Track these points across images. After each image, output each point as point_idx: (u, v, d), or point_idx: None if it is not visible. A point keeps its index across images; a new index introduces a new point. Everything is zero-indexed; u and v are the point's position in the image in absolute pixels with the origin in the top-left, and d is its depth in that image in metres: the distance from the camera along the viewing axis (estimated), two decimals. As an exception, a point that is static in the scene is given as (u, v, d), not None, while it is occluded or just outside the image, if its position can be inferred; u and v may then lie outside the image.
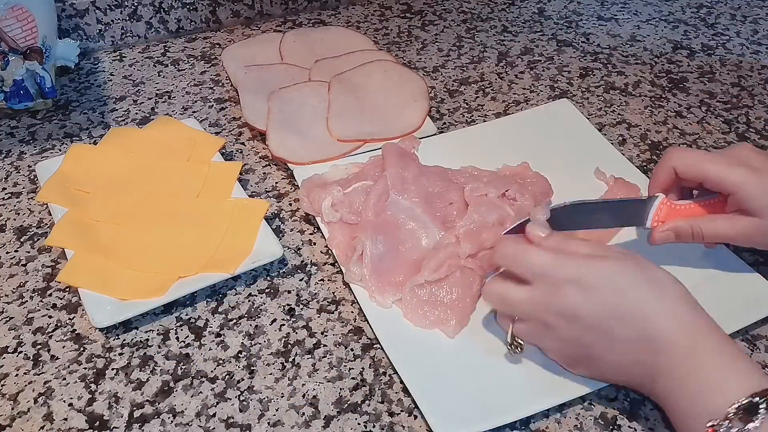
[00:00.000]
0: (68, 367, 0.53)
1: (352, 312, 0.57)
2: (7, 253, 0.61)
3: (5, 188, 0.68)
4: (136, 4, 0.85)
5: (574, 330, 0.47)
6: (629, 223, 0.57)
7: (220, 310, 0.57)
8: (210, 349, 0.54)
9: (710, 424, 0.40)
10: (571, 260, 0.47)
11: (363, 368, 0.53)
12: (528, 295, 0.48)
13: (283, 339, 0.55)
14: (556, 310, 0.47)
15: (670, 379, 0.44)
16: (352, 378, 0.52)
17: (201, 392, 0.51)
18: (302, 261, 0.61)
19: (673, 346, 0.43)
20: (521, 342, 0.50)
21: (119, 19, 0.85)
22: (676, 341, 0.44)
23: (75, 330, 0.55)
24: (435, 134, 0.73)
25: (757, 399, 0.40)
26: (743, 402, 0.40)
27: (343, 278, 0.59)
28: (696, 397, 0.42)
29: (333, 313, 0.57)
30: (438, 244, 0.58)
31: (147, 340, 0.55)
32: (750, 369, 0.43)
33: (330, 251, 0.61)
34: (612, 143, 0.71)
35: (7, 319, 0.56)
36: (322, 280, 0.60)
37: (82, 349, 0.54)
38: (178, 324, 0.56)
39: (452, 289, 0.56)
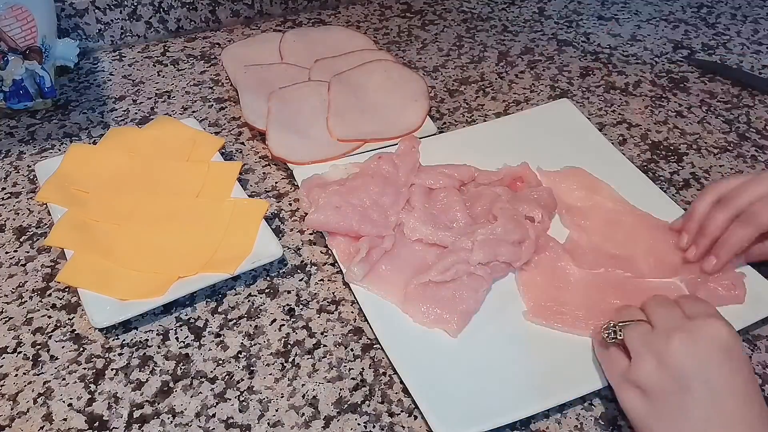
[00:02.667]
0: (68, 367, 0.53)
1: (352, 312, 0.57)
2: (7, 253, 0.61)
3: (5, 188, 0.68)
4: (135, 4, 0.85)
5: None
6: None
7: (219, 310, 0.57)
8: (210, 350, 0.54)
9: None
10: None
11: (363, 368, 0.53)
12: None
13: (283, 339, 0.55)
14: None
15: None
16: (352, 378, 0.52)
17: (201, 392, 0.51)
18: (302, 261, 0.61)
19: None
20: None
21: (119, 18, 0.85)
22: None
23: (74, 330, 0.55)
24: (435, 134, 0.73)
25: None
26: None
27: (343, 278, 0.59)
28: None
29: (333, 313, 0.57)
30: (452, 245, 0.58)
31: (146, 340, 0.55)
32: None
33: (330, 251, 0.60)
34: (612, 143, 0.71)
35: (7, 319, 0.56)
36: (322, 280, 0.60)
37: (81, 349, 0.54)
38: (177, 324, 0.56)
39: (457, 291, 0.56)
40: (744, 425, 0.43)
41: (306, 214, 0.62)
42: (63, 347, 0.54)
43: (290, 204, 0.67)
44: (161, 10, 0.87)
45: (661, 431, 0.44)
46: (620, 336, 0.48)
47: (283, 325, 0.56)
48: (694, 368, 0.44)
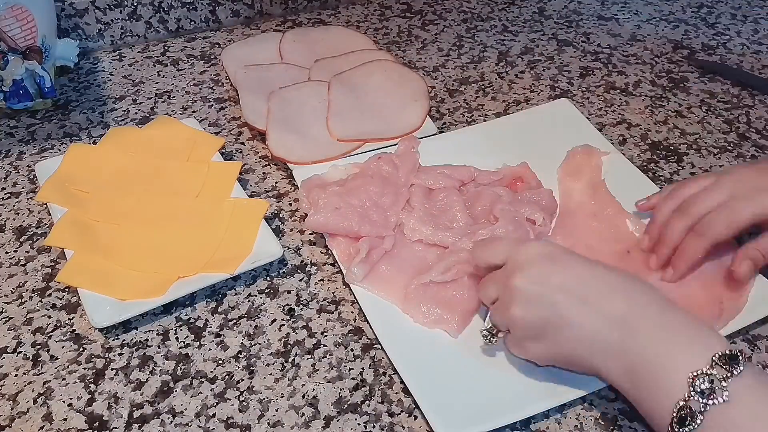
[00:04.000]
0: (68, 367, 0.53)
1: (352, 312, 0.57)
2: (7, 253, 0.61)
3: (4, 188, 0.68)
4: (135, 4, 0.85)
5: (542, 289, 0.47)
6: None
7: (219, 310, 0.57)
8: (210, 350, 0.54)
9: (693, 373, 0.40)
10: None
11: (363, 368, 0.53)
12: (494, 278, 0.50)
13: (283, 339, 0.55)
14: (511, 295, 0.47)
15: (643, 338, 0.43)
16: (352, 378, 0.52)
17: (201, 392, 0.51)
18: (302, 261, 0.61)
19: (646, 312, 0.44)
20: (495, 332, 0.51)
21: (119, 18, 0.85)
22: (648, 306, 0.44)
23: (74, 330, 0.55)
24: (435, 134, 0.73)
25: (736, 351, 0.40)
26: (727, 352, 0.40)
27: (343, 278, 0.59)
28: (671, 351, 0.42)
29: (333, 313, 0.57)
30: (453, 245, 0.58)
31: (146, 340, 0.55)
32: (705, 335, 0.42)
33: (330, 251, 0.60)
34: (612, 143, 0.71)
35: (7, 319, 0.56)
36: (322, 280, 0.60)
37: (81, 349, 0.54)
38: (177, 324, 0.56)
39: (457, 291, 0.55)
40: (608, 287, 0.45)
41: (306, 214, 0.62)
42: (63, 347, 0.54)
43: (290, 204, 0.67)
44: (161, 10, 0.87)
45: (567, 350, 0.47)
46: (495, 340, 0.51)
47: (283, 325, 0.56)
48: (538, 291, 0.46)
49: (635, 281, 0.46)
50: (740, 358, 0.40)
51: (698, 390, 0.39)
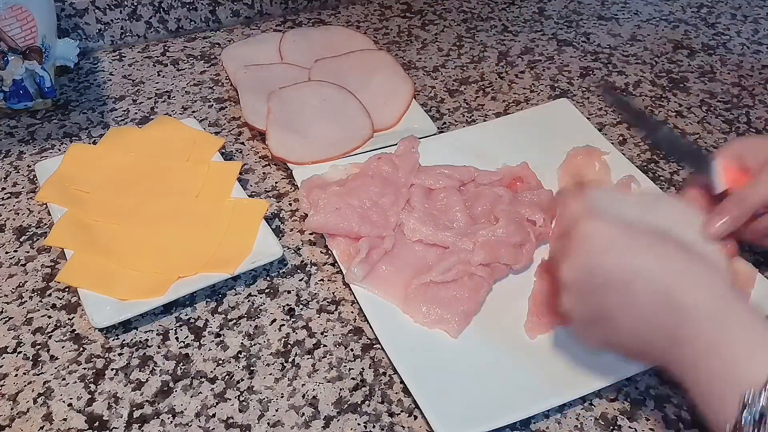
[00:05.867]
0: (68, 367, 0.53)
1: (352, 312, 0.57)
2: (7, 253, 0.61)
3: (4, 188, 0.68)
4: (135, 4, 0.85)
5: (591, 287, 0.45)
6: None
7: (219, 310, 0.57)
8: (210, 350, 0.54)
9: (746, 393, 0.37)
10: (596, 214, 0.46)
11: (363, 368, 0.53)
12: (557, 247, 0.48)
13: (283, 339, 0.55)
14: (573, 265, 0.45)
15: (696, 348, 0.41)
16: (352, 378, 0.52)
17: (201, 392, 0.51)
18: (302, 261, 0.61)
19: (699, 314, 0.41)
20: None
21: (119, 18, 0.85)
22: (703, 308, 0.41)
23: (74, 330, 0.55)
24: (435, 134, 0.73)
25: None
26: None
27: (343, 278, 0.59)
28: (726, 365, 0.39)
29: (333, 313, 0.57)
30: (453, 246, 0.58)
31: (146, 340, 0.55)
32: None
33: (330, 251, 0.60)
34: (612, 143, 0.71)
35: (7, 319, 0.56)
36: (322, 280, 0.60)
37: (81, 349, 0.54)
38: (177, 324, 0.56)
39: (457, 292, 0.56)
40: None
41: (306, 214, 0.62)
42: (63, 347, 0.54)
43: (290, 204, 0.67)
44: (161, 10, 0.87)
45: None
46: None
47: (283, 325, 0.56)
48: (591, 278, 0.44)
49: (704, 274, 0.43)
50: None
51: (748, 419, 0.37)
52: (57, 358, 0.53)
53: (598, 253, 0.44)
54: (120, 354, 0.54)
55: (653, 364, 0.47)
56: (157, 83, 0.82)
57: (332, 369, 0.53)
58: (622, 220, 0.46)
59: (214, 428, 0.49)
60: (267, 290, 0.59)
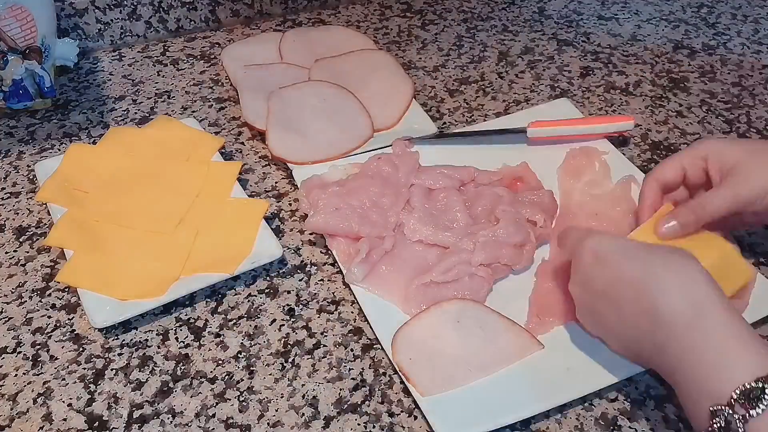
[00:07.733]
0: (67, 367, 0.53)
1: (352, 312, 0.57)
2: (6, 253, 0.61)
3: (4, 188, 0.68)
4: (135, 4, 0.85)
5: (587, 295, 0.49)
6: None
7: (219, 310, 0.57)
8: (209, 350, 0.54)
9: (712, 408, 0.39)
10: (596, 233, 0.49)
11: (363, 368, 0.53)
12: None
13: (283, 339, 0.55)
14: (574, 277, 0.49)
15: (672, 355, 0.42)
16: (352, 378, 0.52)
17: (200, 393, 0.51)
18: (302, 261, 0.61)
19: (673, 320, 0.42)
20: None
21: (118, 18, 0.85)
22: (676, 314, 0.42)
23: (74, 330, 0.55)
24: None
25: (761, 383, 0.37)
26: (747, 386, 0.38)
27: (343, 278, 0.59)
28: (698, 376, 0.40)
29: (333, 313, 0.57)
30: (454, 246, 0.58)
31: (146, 340, 0.55)
32: (760, 350, 0.40)
33: (330, 251, 0.60)
34: (612, 143, 0.71)
35: (7, 319, 0.56)
36: (322, 280, 0.60)
37: (81, 349, 0.54)
38: (177, 324, 0.56)
39: (458, 292, 0.55)
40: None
41: (306, 214, 0.62)
42: (63, 347, 0.54)
43: (290, 204, 0.67)
44: (161, 9, 0.87)
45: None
46: None
47: (283, 325, 0.56)
48: (587, 291, 0.48)
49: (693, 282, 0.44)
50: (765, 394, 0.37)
51: (716, 428, 0.38)
52: (57, 358, 0.53)
53: (593, 264, 0.48)
54: (120, 354, 0.54)
55: (647, 367, 0.49)
56: (156, 83, 0.82)
57: (332, 369, 0.53)
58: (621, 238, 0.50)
59: (213, 428, 0.49)
60: (267, 290, 0.59)
